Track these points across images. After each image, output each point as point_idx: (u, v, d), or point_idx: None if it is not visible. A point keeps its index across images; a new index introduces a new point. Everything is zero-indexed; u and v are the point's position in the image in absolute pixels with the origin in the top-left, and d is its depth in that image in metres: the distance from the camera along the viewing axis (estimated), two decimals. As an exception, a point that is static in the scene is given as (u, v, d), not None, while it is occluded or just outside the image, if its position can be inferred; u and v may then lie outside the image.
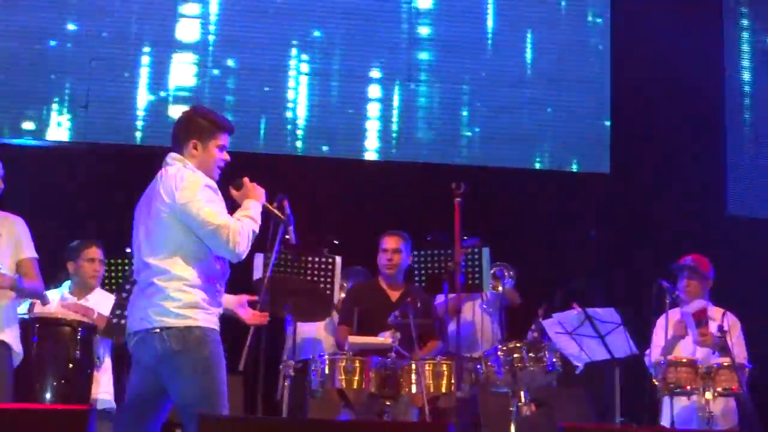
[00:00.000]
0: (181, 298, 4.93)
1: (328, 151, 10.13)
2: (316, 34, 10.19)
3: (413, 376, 6.59)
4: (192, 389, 4.90)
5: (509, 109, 10.33)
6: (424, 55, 10.35)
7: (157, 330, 4.92)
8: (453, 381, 6.66)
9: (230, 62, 10.08)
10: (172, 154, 5.16)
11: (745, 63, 10.93)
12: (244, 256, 5.07)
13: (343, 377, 6.54)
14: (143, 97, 9.92)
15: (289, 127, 10.13)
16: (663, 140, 10.12)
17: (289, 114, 10.12)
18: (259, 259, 7.61)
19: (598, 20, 10.53)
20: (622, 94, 10.34)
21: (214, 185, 5.09)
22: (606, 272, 9.92)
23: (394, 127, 10.28)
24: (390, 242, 7.48)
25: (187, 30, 10.02)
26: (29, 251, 6.06)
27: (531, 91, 10.39)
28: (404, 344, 6.77)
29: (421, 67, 10.34)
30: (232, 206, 5.21)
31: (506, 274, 8.54)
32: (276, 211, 5.45)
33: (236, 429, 4.72)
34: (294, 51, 10.19)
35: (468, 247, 7.81)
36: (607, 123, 10.36)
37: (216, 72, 10.06)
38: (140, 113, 9.90)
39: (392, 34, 10.29)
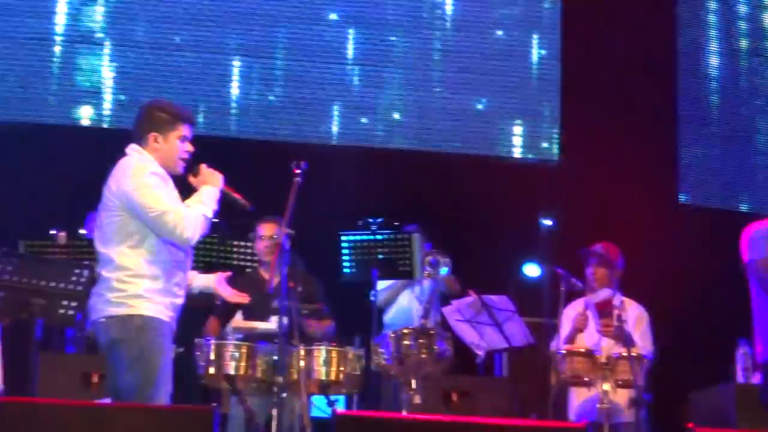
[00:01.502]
0: (124, 288, 5.02)
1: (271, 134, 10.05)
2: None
3: (301, 363, 6.51)
4: (127, 378, 4.98)
5: (452, 93, 10.21)
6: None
7: (102, 320, 5.05)
8: (342, 368, 6.56)
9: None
10: (132, 145, 5.24)
11: (713, 47, 10.67)
12: (193, 242, 5.16)
13: (230, 363, 6.45)
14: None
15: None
16: (614, 125, 9.88)
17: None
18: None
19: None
20: (570, 78, 10.14)
21: (163, 173, 5.15)
22: (558, 261, 9.74)
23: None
24: (269, 229, 7.27)
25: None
26: None
27: (479, 76, 10.25)
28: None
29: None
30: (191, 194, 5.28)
31: (441, 261, 8.40)
32: (236, 195, 5.44)
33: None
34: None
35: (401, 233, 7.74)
36: (557, 109, 10.20)
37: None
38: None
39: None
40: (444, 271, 8.27)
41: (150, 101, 5.54)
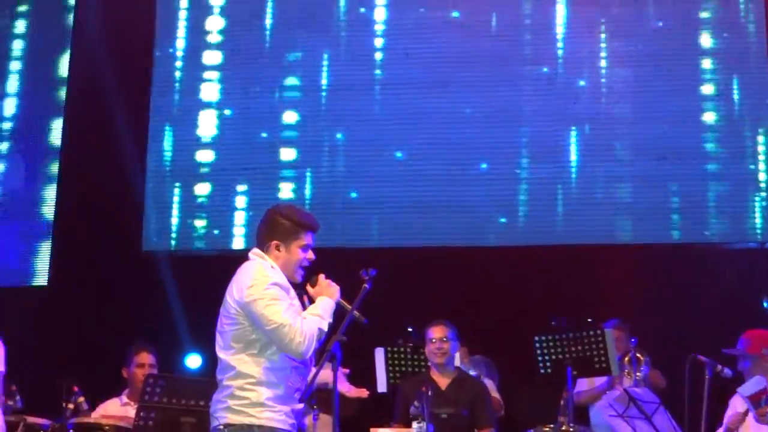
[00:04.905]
0: (246, 396, 5.04)
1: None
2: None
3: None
4: None
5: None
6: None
7: (221, 427, 5.08)
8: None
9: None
10: (255, 250, 5.30)
11: None
12: (308, 355, 5.11)
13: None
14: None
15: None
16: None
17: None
18: (379, 354, 7.82)
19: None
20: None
21: (284, 281, 5.19)
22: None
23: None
24: (438, 332, 7.40)
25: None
26: None
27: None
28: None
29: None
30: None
31: (641, 359, 8.15)
32: (349, 306, 5.35)
33: None
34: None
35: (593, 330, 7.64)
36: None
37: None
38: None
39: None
40: (644, 370, 8.07)
41: (274, 206, 5.46)
